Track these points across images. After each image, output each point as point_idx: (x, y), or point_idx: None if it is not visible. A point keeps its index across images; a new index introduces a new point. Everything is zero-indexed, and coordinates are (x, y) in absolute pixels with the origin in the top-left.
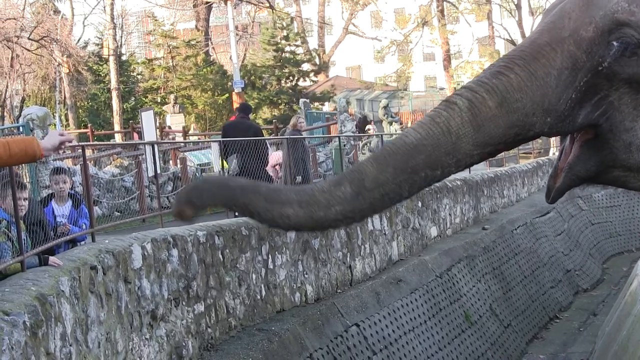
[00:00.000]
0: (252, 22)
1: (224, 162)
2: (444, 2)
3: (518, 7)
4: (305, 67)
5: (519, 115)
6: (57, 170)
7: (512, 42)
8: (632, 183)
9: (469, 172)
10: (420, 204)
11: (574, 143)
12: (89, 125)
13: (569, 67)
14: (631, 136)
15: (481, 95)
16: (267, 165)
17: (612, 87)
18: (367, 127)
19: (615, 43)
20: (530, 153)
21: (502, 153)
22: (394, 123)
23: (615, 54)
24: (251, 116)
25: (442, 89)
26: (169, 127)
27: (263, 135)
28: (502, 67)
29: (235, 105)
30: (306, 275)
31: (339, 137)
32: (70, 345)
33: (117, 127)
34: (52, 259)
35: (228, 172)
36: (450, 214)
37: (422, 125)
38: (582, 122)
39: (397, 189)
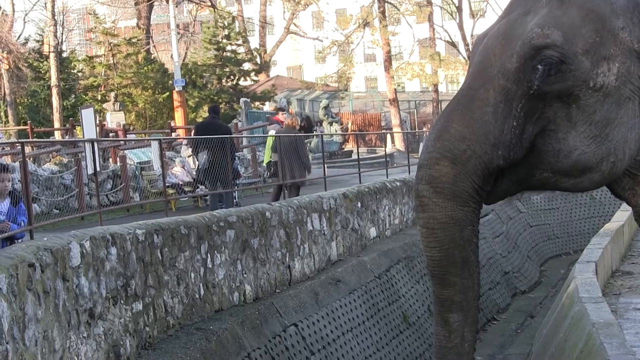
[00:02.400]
0: (194, 20)
1: (195, 158)
2: (385, 4)
3: (459, 9)
4: (247, 66)
5: (474, 161)
6: (1, 168)
7: (453, 44)
8: (563, 183)
9: (409, 173)
10: (359, 205)
11: None
12: (28, 122)
13: (503, 100)
14: (561, 145)
15: (435, 168)
16: (233, 161)
17: (546, 105)
18: (315, 128)
19: (539, 67)
20: None
21: None
22: (334, 123)
23: (542, 76)
24: (191, 115)
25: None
26: (119, 125)
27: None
28: (442, 125)
29: (176, 103)
30: (245, 275)
31: (278, 137)
32: (7, 343)
33: (56, 125)
34: None
35: (198, 167)
36: (389, 215)
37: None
38: (529, 142)
39: None
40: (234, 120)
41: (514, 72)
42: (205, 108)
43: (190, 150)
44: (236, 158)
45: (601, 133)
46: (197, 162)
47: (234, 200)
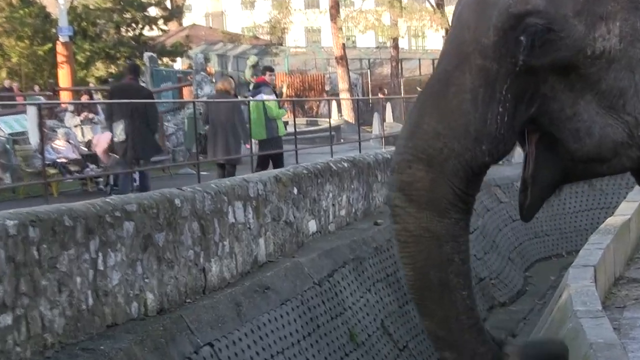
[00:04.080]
0: None
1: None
2: None
3: None
4: (153, 11)
5: (453, 161)
6: None
7: None
8: (600, 169)
9: (359, 151)
10: (296, 191)
11: (529, 148)
12: None
13: (483, 83)
14: (576, 122)
15: (407, 172)
16: (157, 132)
17: (539, 81)
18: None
19: (522, 38)
20: None
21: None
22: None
23: (527, 48)
24: (79, 73)
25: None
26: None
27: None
28: (414, 120)
29: (61, 58)
30: (147, 280)
31: (193, 102)
32: None
33: None
34: None
35: (112, 140)
36: (334, 204)
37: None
38: (522, 128)
39: None
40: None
41: (492, 47)
42: (98, 65)
43: (78, 118)
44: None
45: (615, 104)
46: (111, 134)
47: (134, 184)
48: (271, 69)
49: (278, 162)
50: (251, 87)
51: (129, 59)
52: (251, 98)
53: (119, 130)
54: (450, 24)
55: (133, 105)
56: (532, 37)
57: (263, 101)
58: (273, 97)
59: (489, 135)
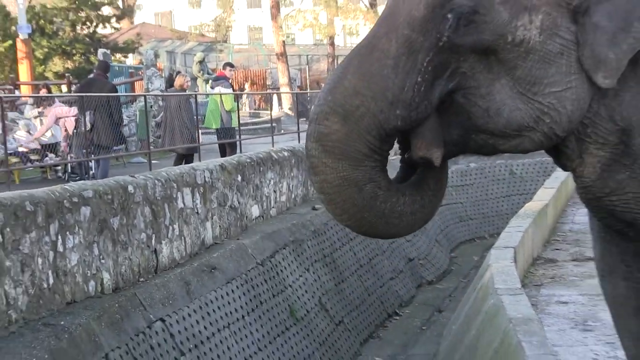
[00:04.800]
0: None
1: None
2: None
3: None
4: (106, 10)
5: (368, 119)
6: None
7: None
8: (501, 145)
9: (299, 142)
10: (240, 178)
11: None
12: None
13: (406, 52)
14: (488, 101)
15: (324, 124)
16: (121, 123)
17: (460, 59)
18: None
19: (449, 16)
20: None
21: None
22: (210, 81)
23: (452, 26)
24: (38, 68)
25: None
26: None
27: (118, 94)
28: (337, 76)
29: (21, 54)
30: (103, 261)
31: (144, 96)
32: None
33: None
34: None
35: (85, 128)
36: (275, 191)
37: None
38: (438, 101)
39: None
40: (90, 75)
41: (420, 21)
42: (55, 61)
43: (36, 110)
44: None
45: (527, 92)
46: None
47: (90, 172)
48: (231, 65)
49: (233, 150)
50: (197, 81)
51: (84, 55)
52: (210, 90)
53: (87, 119)
54: None
55: (99, 98)
56: (458, 17)
57: (220, 94)
58: (230, 90)
59: (404, 102)
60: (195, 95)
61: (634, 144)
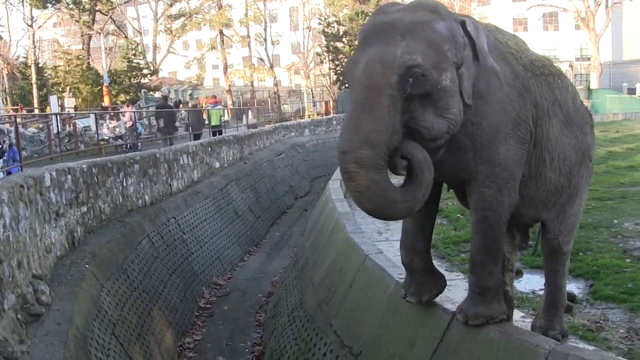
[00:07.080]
0: (115, 44)
1: (158, 121)
2: (224, 37)
3: (265, 40)
4: (145, 71)
5: (383, 145)
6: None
7: (261, 59)
8: (434, 145)
9: (237, 131)
10: (210, 149)
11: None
12: (19, 104)
13: (391, 103)
14: (424, 122)
15: (359, 152)
16: (175, 124)
17: (413, 102)
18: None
19: (410, 79)
20: (270, 121)
21: (254, 120)
22: (208, 105)
23: (412, 85)
24: (113, 99)
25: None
26: (70, 108)
27: (176, 111)
28: (356, 122)
29: (105, 92)
30: (145, 190)
31: (158, 110)
32: (9, 231)
33: (35, 105)
34: None
35: (158, 127)
36: (226, 155)
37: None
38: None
39: None
40: (138, 102)
41: (395, 84)
42: (122, 97)
43: (109, 120)
44: (176, 121)
45: (443, 113)
46: (155, 124)
47: (138, 148)
48: (215, 96)
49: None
50: (189, 104)
51: (135, 93)
52: (210, 108)
53: (160, 122)
54: (335, 76)
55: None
56: (415, 79)
57: (217, 109)
58: (220, 106)
59: (396, 131)
60: (188, 111)
61: (479, 128)
